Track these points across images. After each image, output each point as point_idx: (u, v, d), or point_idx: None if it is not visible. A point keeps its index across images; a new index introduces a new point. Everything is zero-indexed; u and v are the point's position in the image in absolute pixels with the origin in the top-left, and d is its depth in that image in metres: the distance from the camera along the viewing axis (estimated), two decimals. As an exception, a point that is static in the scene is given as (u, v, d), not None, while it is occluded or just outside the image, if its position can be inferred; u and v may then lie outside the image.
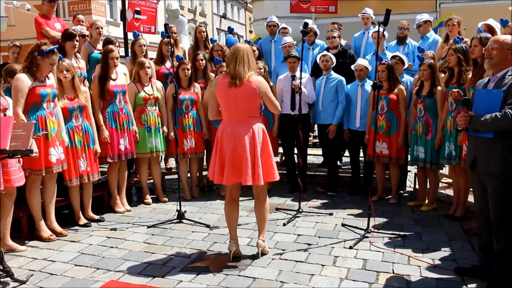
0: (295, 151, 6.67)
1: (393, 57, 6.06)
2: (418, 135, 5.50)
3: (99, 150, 5.20)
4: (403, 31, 7.04)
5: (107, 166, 5.70)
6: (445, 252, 4.27)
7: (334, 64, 6.33)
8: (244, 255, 4.21)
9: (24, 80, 4.43)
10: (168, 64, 6.48)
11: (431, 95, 5.37)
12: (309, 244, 4.50)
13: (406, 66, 6.20)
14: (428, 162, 5.44)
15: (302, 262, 4.07)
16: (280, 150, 6.92)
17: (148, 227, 5.06)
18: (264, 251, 4.23)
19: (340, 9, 8.70)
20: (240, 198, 5.98)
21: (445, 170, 6.21)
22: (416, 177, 6.14)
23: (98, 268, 3.99)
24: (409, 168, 6.56)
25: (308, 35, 7.05)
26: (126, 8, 7.48)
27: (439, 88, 5.30)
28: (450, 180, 5.97)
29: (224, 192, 6.30)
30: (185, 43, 11.04)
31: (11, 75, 4.84)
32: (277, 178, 4.15)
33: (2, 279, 3.61)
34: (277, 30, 7.73)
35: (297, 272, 3.86)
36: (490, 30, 5.48)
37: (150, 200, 6.06)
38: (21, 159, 4.16)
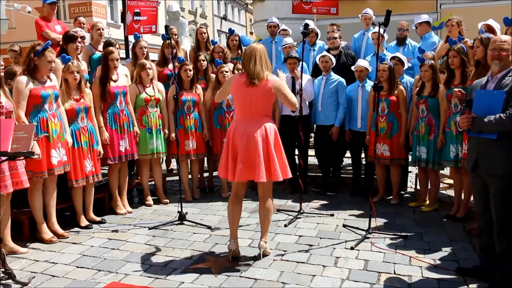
0: (296, 152, 6.68)
1: (392, 58, 6.06)
2: (421, 135, 5.49)
3: (102, 151, 5.23)
4: (403, 32, 7.05)
5: (107, 168, 5.70)
6: (446, 252, 4.27)
7: (334, 64, 6.34)
8: (245, 256, 4.22)
9: (24, 82, 4.44)
10: (170, 65, 6.48)
11: (433, 96, 5.37)
12: (311, 245, 4.50)
13: (406, 67, 6.20)
14: (430, 163, 5.44)
15: (304, 263, 4.08)
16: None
17: (150, 228, 5.07)
18: (266, 252, 4.23)
19: (340, 10, 8.70)
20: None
21: (446, 171, 6.21)
22: (417, 177, 6.14)
23: (99, 270, 3.99)
24: (410, 168, 6.56)
25: (309, 36, 7.06)
26: (126, 10, 7.48)
27: (441, 88, 5.30)
28: (451, 181, 5.96)
29: (225, 193, 6.32)
30: (186, 45, 11.05)
31: (11, 77, 4.85)
32: (290, 175, 4.15)
33: (4, 281, 3.62)
34: (278, 31, 7.74)
35: (298, 273, 3.86)
36: (490, 30, 5.48)
37: (151, 202, 6.06)
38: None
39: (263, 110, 4.05)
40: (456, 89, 4.88)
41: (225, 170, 4.12)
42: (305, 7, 8.27)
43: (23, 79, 4.46)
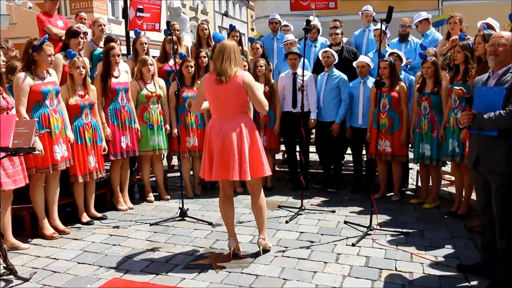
0: (297, 148, 6.68)
1: (391, 54, 6.04)
2: (424, 132, 5.48)
3: (106, 147, 5.25)
4: (405, 29, 7.04)
5: (109, 164, 5.71)
6: (447, 249, 4.27)
7: (336, 60, 6.32)
8: (246, 253, 4.22)
9: (24, 79, 4.43)
10: (171, 62, 6.47)
11: (436, 93, 5.35)
12: (312, 242, 4.50)
13: (404, 63, 6.19)
14: (434, 160, 5.43)
15: (305, 259, 4.08)
16: (282, 147, 6.91)
17: (151, 224, 5.07)
18: (266, 248, 4.23)
19: (341, 7, 8.69)
20: (243, 196, 6.04)
21: (448, 168, 6.21)
22: (419, 174, 6.13)
23: (101, 266, 4.00)
24: (410, 165, 6.56)
25: (311, 32, 7.04)
26: (128, 6, 7.46)
27: (444, 85, 5.29)
28: (452, 178, 5.96)
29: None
30: (187, 41, 11.03)
31: (12, 72, 4.85)
32: (267, 173, 4.09)
33: (5, 277, 3.63)
34: (279, 28, 7.72)
35: (299, 270, 3.87)
36: (490, 28, 5.47)
37: (152, 198, 6.06)
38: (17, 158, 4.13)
39: (237, 107, 3.97)
40: (457, 87, 4.87)
41: (203, 170, 4.08)
42: (303, 3, 8.24)
43: (23, 75, 4.45)
